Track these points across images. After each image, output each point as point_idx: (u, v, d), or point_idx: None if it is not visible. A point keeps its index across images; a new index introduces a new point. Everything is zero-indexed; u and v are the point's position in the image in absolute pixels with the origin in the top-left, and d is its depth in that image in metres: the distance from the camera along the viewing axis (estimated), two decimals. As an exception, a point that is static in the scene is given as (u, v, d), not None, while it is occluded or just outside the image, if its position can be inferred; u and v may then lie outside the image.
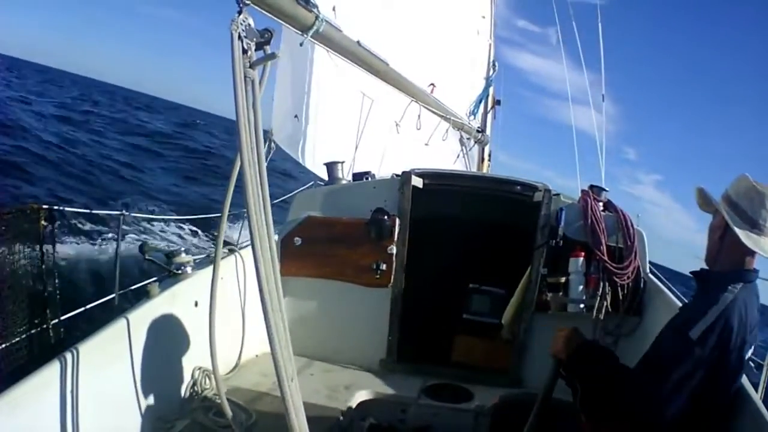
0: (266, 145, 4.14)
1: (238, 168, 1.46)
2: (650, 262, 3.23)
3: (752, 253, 1.73)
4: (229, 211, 2.16)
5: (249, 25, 1.47)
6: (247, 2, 1.50)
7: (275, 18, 1.94)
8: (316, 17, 2.15)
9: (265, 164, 1.48)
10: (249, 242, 2.95)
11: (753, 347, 1.78)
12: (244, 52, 1.45)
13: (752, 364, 2.63)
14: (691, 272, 1.91)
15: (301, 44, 2.28)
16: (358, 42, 2.86)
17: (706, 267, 1.88)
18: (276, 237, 3.22)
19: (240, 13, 1.46)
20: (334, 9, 2.87)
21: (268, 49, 1.54)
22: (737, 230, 1.70)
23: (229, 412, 2.25)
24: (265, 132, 4.29)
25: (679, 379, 1.58)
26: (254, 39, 1.49)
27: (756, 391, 2.08)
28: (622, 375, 1.73)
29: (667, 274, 4.01)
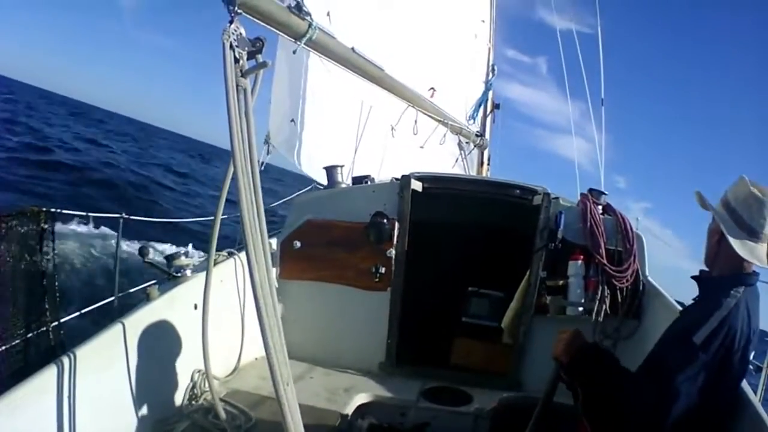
0: (264, 148, 4.16)
1: (230, 175, 1.47)
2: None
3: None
4: (228, 215, 2.18)
5: (240, 34, 1.48)
6: (239, 11, 1.51)
7: (268, 26, 1.95)
8: (309, 25, 2.15)
9: (258, 171, 1.49)
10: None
11: (753, 350, 1.78)
12: (236, 61, 1.46)
13: (751, 367, 2.63)
14: (692, 277, 1.91)
15: (294, 52, 2.29)
16: (352, 48, 2.87)
17: (705, 268, 1.89)
18: (274, 241, 3.24)
19: (232, 22, 1.47)
20: (328, 15, 2.87)
21: (260, 57, 1.55)
22: (731, 240, 1.69)
23: (222, 415, 2.26)
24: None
25: (683, 384, 1.58)
26: (246, 48, 1.49)
27: (755, 393, 2.08)
28: (624, 379, 1.72)
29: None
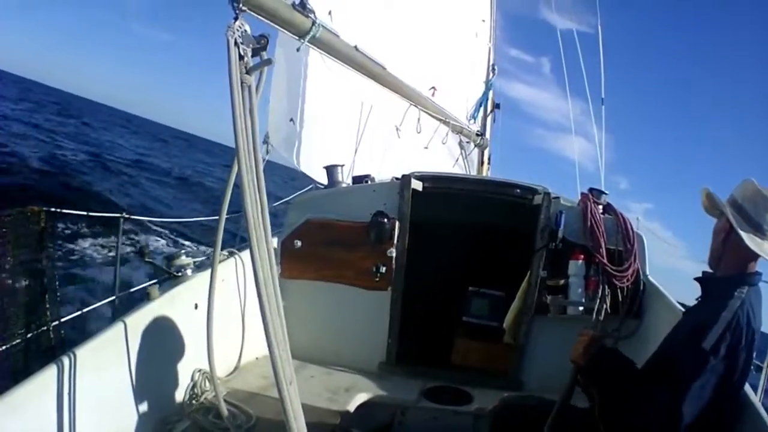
0: (263, 148, 4.15)
1: (235, 172, 1.47)
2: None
3: (755, 257, 1.75)
4: (229, 214, 2.17)
5: (245, 31, 1.48)
6: (244, 8, 1.51)
7: (272, 24, 1.94)
8: (313, 22, 2.15)
9: (262, 169, 1.49)
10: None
11: (755, 350, 1.79)
12: (241, 58, 1.45)
13: (752, 367, 2.62)
14: (695, 278, 1.92)
15: (298, 49, 2.29)
16: (355, 47, 2.87)
17: (708, 270, 1.89)
18: (275, 240, 3.23)
19: (236, 19, 1.46)
20: (330, 14, 2.87)
21: (265, 54, 1.54)
22: (742, 233, 1.71)
23: (225, 414, 2.26)
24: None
25: (696, 391, 1.60)
26: (250, 45, 1.49)
27: (755, 393, 2.08)
28: (639, 387, 1.72)
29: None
